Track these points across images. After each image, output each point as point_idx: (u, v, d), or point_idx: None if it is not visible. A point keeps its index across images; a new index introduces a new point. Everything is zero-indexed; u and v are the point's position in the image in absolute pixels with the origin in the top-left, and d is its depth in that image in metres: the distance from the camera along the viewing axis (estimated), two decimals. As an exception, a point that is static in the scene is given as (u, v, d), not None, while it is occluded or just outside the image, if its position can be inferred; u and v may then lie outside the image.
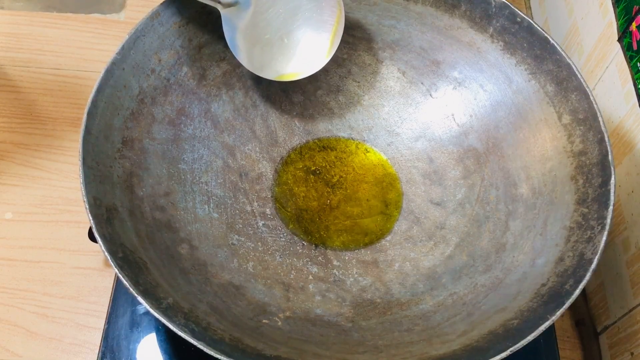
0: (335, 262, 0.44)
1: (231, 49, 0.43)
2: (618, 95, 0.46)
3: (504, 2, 0.43)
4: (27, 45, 0.59)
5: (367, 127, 0.49)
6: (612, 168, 0.38)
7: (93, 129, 0.37)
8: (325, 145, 0.49)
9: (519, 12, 0.43)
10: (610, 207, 0.36)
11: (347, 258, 0.44)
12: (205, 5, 0.44)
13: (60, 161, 0.53)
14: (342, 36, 0.48)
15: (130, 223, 0.37)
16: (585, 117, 0.40)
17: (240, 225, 0.44)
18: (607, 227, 0.36)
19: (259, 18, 0.43)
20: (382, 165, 0.48)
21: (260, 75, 0.44)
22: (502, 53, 0.44)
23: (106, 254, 0.33)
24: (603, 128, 0.39)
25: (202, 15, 0.44)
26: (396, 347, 0.37)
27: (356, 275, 0.43)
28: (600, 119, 0.39)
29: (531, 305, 0.35)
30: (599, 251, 0.35)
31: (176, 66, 0.43)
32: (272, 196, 0.46)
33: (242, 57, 0.43)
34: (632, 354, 0.42)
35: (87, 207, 0.34)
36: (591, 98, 0.40)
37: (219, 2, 0.42)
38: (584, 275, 0.35)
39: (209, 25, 0.44)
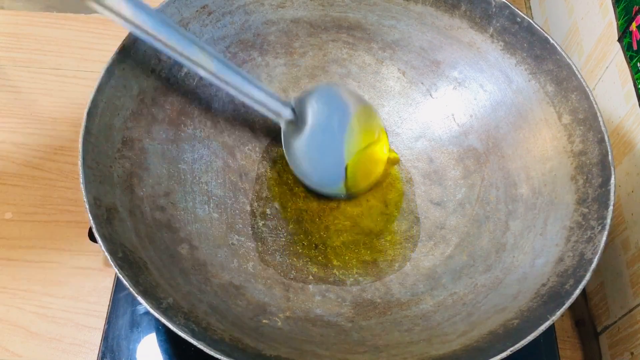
0: (335, 262, 0.44)
1: (287, 160, 0.45)
2: (618, 95, 0.46)
3: (504, 2, 0.43)
4: (27, 45, 0.59)
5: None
6: (612, 168, 0.38)
7: (93, 129, 0.37)
8: (325, 145, 0.49)
9: (519, 12, 0.43)
10: (611, 207, 0.36)
11: (347, 258, 0.44)
12: (205, 5, 0.44)
13: (60, 161, 0.53)
14: (342, 36, 0.48)
15: (130, 223, 0.37)
16: (585, 117, 0.40)
17: (240, 225, 0.44)
18: (607, 227, 0.36)
19: (312, 140, 0.45)
20: (382, 165, 0.48)
21: (316, 189, 0.46)
22: (502, 53, 0.44)
23: (106, 253, 0.33)
24: (603, 128, 0.39)
25: (203, 15, 0.44)
26: (396, 347, 0.37)
27: (356, 275, 0.43)
28: (600, 119, 0.39)
29: (531, 305, 0.35)
30: (599, 251, 0.35)
31: (176, 66, 0.43)
32: (272, 196, 0.46)
33: (297, 171, 0.45)
34: (632, 354, 0.42)
35: (87, 207, 0.34)
36: (591, 98, 0.40)
37: (282, 117, 0.44)
38: (584, 275, 0.35)
39: (209, 25, 0.44)
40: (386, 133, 0.48)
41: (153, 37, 0.38)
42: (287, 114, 0.43)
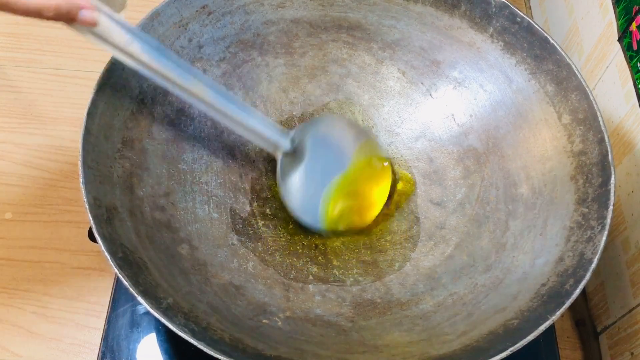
0: (335, 262, 0.44)
1: (280, 193, 0.44)
2: (618, 95, 0.46)
3: (504, 2, 0.43)
4: (27, 45, 0.59)
5: (367, 127, 0.49)
6: (612, 168, 0.38)
7: (93, 129, 0.37)
8: (325, 146, 0.49)
9: (519, 12, 0.43)
10: (610, 207, 0.36)
11: (347, 258, 0.44)
12: (205, 5, 0.44)
13: (60, 161, 0.53)
14: (342, 36, 0.48)
15: (130, 223, 0.37)
16: (585, 117, 0.40)
17: (240, 225, 0.44)
18: (607, 227, 0.36)
19: (307, 171, 0.44)
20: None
21: (304, 222, 0.44)
22: (502, 53, 0.44)
23: (106, 254, 0.33)
24: (603, 128, 0.39)
25: (202, 15, 0.44)
26: (396, 347, 0.37)
27: (356, 275, 0.43)
28: (600, 118, 0.39)
29: (531, 305, 0.35)
30: (599, 251, 0.35)
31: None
32: (272, 196, 0.46)
33: (287, 201, 0.44)
34: (632, 354, 0.42)
35: (87, 207, 0.34)
36: (591, 98, 0.40)
37: (279, 149, 0.43)
38: (584, 275, 0.35)
39: (209, 25, 0.44)
40: (392, 170, 0.46)
41: (146, 66, 0.37)
42: (285, 145, 0.43)
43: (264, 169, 0.47)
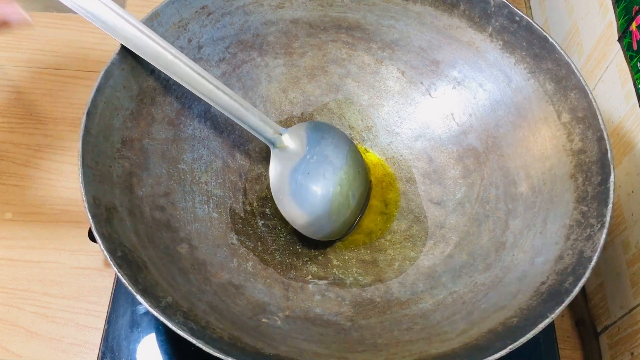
0: (335, 262, 0.44)
1: (271, 186, 0.43)
2: (618, 95, 0.46)
3: (503, 1, 0.43)
4: (27, 45, 0.59)
5: (366, 127, 0.49)
6: (611, 166, 0.38)
7: (92, 129, 0.37)
8: (325, 145, 0.49)
9: (518, 11, 0.43)
10: (610, 205, 0.36)
11: (346, 257, 0.44)
12: (204, 6, 0.44)
13: (60, 161, 0.53)
14: (342, 36, 0.48)
15: (129, 223, 0.37)
16: (585, 116, 0.40)
17: (240, 225, 0.44)
18: (607, 225, 0.36)
19: (305, 167, 0.43)
20: (381, 165, 0.48)
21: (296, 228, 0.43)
22: (501, 52, 0.44)
23: (105, 253, 0.33)
24: (602, 126, 0.39)
25: (202, 16, 0.44)
26: (395, 345, 0.36)
27: (356, 275, 0.43)
28: (599, 117, 0.39)
29: (531, 304, 0.35)
30: (599, 249, 0.35)
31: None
32: (272, 196, 0.46)
33: (279, 202, 0.43)
34: (632, 354, 0.42)
35: (87, 206, 0.34)
36: (590, 96, 0.40)
37: (272, 144, 0.43)
38: (584, 273, 0.35)
39: (208, 25, 0.45)
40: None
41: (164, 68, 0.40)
42: (278, 140, 0.43)
43: (264, 169, 0.47)
